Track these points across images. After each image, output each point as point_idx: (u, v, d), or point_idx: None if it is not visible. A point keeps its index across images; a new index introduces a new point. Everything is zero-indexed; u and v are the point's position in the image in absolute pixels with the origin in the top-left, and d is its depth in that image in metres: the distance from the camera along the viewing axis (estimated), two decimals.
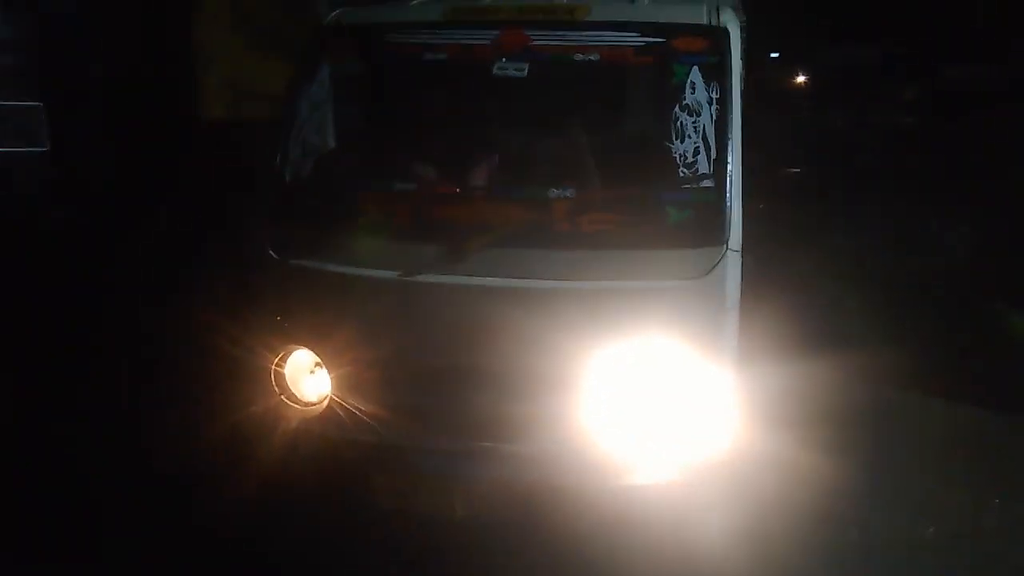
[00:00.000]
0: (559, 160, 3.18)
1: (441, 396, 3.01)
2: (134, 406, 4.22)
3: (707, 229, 2.91)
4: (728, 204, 2.92)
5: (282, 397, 3.24)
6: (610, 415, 2.96)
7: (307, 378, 3.24)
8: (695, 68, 3.03)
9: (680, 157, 2.96)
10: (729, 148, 2.95)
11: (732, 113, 2.99)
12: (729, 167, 2.94)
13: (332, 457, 3.13)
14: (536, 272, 2.93)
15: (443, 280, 2.97)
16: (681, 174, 2.96)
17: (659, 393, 2.95)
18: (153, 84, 7.34)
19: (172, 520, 3.46)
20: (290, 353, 3.21)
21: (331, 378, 3.14)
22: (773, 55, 21.38)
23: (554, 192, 3.05)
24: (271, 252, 3.20)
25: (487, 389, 2.97)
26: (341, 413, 3.12)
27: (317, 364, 3.19)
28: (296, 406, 3.25)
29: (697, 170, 2.96)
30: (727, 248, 2.89)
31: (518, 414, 2.96)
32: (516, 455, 2.99)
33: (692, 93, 3.02)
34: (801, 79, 19.83)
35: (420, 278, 2.98)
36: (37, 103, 8.92)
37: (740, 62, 3.24)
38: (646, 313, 2.88)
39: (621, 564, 3.12)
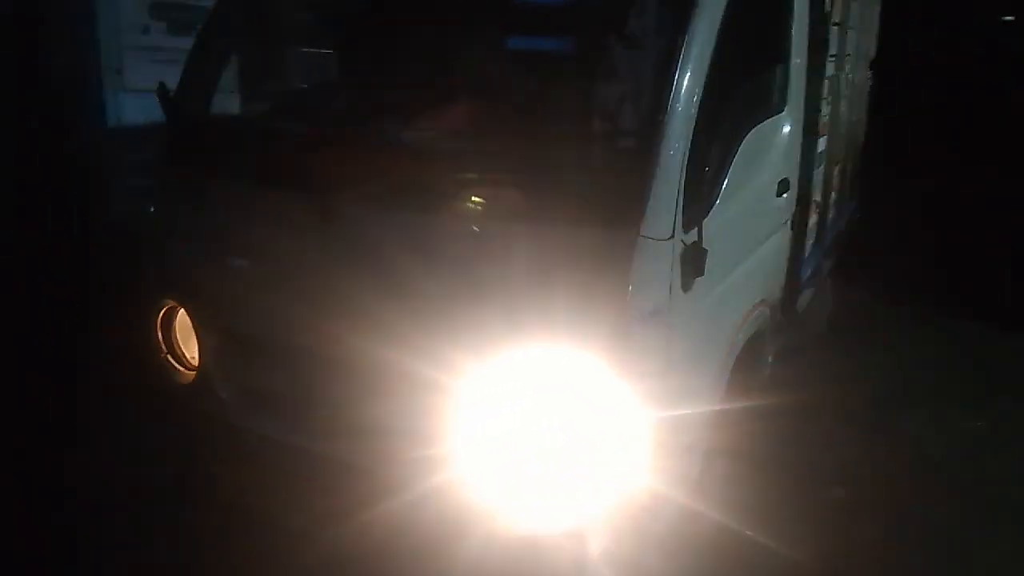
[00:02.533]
0: (457, 100, 2.47)
1: (294, 382, 2.50)
2: None
3: (617, 206, 2.09)
4: (654, 174, 2.07)
5: (167, 356, 2.89)
6: (486, 441, 2.28)
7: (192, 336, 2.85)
8: None
9: (601, 103, 2.17)
10: (670, 99, 2.07)
11: (687, 54, 2.11)
12: (666, 125, 2.08)
13: (193, 434, 2.74)
14: (401, 244, 2.28)
15: (299, 244, 2.42)
16: (596, 127, 2.17)
17: (540, 418, 2.22)
18: None
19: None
20: (173, 307, 2.84)
21: (198, 340, 2.74)
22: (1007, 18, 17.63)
23: (440, 140, 2.37)
24: (160, 191, 2.84)
25: (340, 383, 2.40)
26: (205, 383, 2.72)
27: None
28: (180, 368, 2.88)
29: (618, 123, 2.15)
30: (639, 235, 2.06)
31: (376, 422, 2.36)
32: (371, 472, 2.40)
33: (638, 18, 2.19)
34: None
35: (276, 239, 2.46)
36: None
37: None
38: (529, 309, 2.15)
39: None
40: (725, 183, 2.45)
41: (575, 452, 2.21)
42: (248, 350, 2.56)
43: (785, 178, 3.08)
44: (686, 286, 2.24)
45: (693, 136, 2.13)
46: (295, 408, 2.49)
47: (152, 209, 2.83)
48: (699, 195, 2.21)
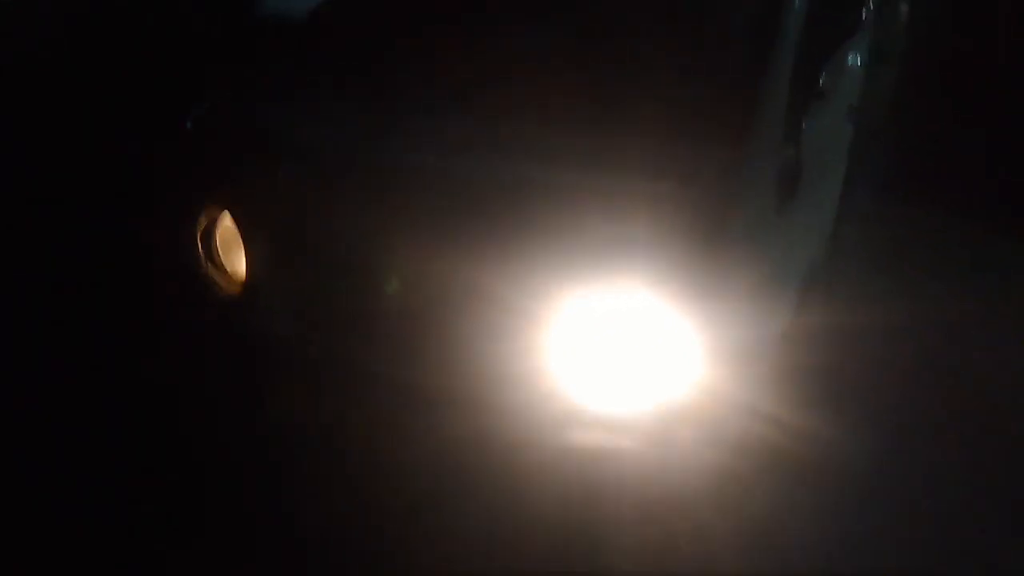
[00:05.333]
0: None
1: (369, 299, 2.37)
2: None
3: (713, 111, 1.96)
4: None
5: (210, 265, 2.75)
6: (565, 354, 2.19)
7: (239, 250, 2.71)
8: None
9: None
10: None
11: None
12: None
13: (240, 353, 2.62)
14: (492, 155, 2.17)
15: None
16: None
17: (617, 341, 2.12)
18: None
19: None
20: (221, 217, 2.70)
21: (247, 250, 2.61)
22: None
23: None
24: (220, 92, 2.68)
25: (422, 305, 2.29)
26: (259, 300, 2.60)
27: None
28: (223, 283, 2.74)
29: None
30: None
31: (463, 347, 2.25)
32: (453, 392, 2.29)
33: None
34: None
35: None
36: None
37: None
38: (610, 225, 2.03)
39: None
40: None
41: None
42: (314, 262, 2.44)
43: None
44: (779, 208, 2.11)
45: None
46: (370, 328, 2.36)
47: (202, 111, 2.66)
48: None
